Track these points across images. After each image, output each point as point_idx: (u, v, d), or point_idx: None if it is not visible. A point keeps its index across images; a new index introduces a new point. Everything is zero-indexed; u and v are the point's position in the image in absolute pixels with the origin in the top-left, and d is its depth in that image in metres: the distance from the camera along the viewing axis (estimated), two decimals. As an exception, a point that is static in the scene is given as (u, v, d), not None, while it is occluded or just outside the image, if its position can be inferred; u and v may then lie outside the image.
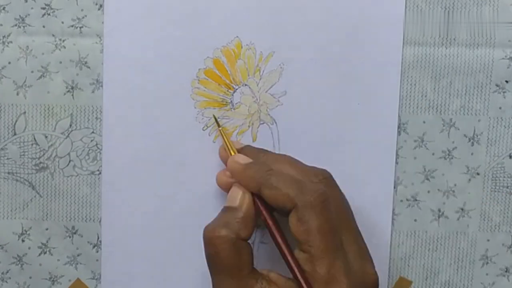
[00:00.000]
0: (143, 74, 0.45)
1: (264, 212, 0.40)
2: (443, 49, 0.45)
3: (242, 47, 0.45)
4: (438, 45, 0.45)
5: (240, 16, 0.45)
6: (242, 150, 0.43)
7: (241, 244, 0.39)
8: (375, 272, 0.40)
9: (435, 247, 0.47)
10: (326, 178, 0.41)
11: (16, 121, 0.45)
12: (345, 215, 0.40)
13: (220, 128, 0.44)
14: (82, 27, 0.45)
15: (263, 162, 0.42)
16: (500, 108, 0.46)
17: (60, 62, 0.45)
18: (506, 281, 0.47)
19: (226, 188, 0.43)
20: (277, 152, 0.45)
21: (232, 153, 0.43)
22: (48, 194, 0.46)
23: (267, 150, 0.44)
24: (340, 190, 0.41)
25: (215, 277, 0.40)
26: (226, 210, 0.41)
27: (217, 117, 0.45)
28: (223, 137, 0.44)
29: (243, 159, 0.42)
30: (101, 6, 0.44)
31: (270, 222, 0.40)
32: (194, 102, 0.45)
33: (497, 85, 0.45)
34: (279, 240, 0.40)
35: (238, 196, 0.41)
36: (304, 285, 0.38)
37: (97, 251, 0.46)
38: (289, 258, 0.39)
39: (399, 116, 0.46)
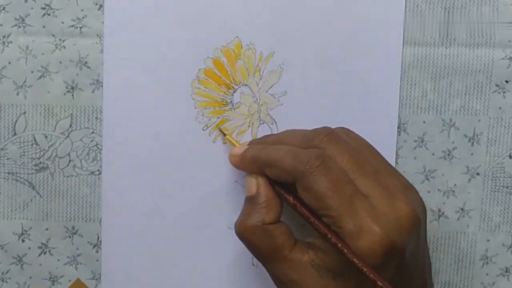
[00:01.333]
0: (143, 74, 0.45)
1: (277, 189, 0.40)
2: (443, 49, 0.45)
3: (242, 47, 0.45)
4: (438, 45, 0.45)
5: (240, 16, 0.45)
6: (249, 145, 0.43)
7: (270, 228, 0.39)
8: (409, 205, 0.37)
9: (435, 247, 0.47)
10: (327, 135, 0.39)
11: (16, 121, 0.45)
12: (356, 161, 0.38)
13: (227, 136, 0.45)
14: (82, 27, 0.45)
15: (260, 143, 0.42)
16: (500, 108, 0.46)
17: (60, 62, 0.45)
18: (506, 281, 0.47)
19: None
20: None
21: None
22: (48, 194, 0.46)
23: (272, 134, 0.44)
24: (348, 137, 0.40)
25: (265, 266, 0.40)
26: (247, 200, 0.41)
27: (219, 126, 0.45)
28: (230, 142, 0.44)
29: (239, 148, 0.42)
30: (101, 6, 0.44)
31: (289, 198, 0.40)
32: (194, 102, 0.45)
33: (497, 85, 0.45)
34: (302, 210, 0.39)
35: (253, 184, 0.41)
36: (337, 242, 0.36)
37: (97, 251, 0.46)
38: (317, 223, 0.38)
39: (399, 116, 0.46)
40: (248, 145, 0.43)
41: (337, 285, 0.38)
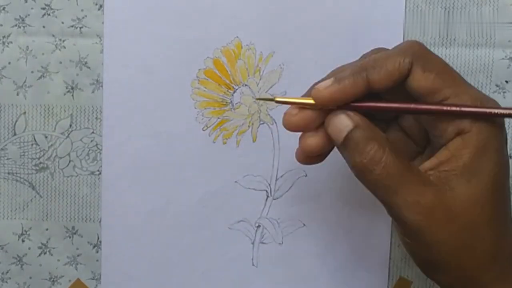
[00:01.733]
0: (143, 74, 0.45)
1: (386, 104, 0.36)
2: (443, 49, 0.45)
3: (242, 47, 0.45)
4: (438, 45, 0.45)
5: (240, 16, 0.45)
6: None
7: (394, 146, 0.35)
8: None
9: (435, 247, 0.47)
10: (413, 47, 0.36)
11: (16, 121, 0.45)
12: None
13: (275, 98, 0.37)
14: (82, 27, 0.45)
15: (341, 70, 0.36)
16: (500, 108, 0.46)
17: (60, 62, 0.45)
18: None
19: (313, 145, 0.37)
20: (276, 152, 0.45)
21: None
22: (48, 194, 0.46)
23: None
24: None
25: (393, 196, 0.34)
26: (347, 139, 0.35)
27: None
28: (285, 102, 0.37)
29: (326, 82, 0.35)
30: (101, 6, 0.44)
31: (408, 105, 0.35)
32: (194, 103, 0.45)
33: (497, 85, 0.45)
34: (426, 107, 0.35)
35: (343, 119, 0.35)
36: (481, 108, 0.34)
37: (97, 251, 0.46)
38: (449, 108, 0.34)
39: (399, 116, 0.46)
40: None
41: (476, 184, 0.34)
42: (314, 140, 0.37)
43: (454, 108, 0.34)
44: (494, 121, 0.34)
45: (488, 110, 0.34)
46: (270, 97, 0.42)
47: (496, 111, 0.34)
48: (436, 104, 0.35)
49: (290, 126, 0.37)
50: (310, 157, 0.38)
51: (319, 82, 0.36)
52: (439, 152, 0.35)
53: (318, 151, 0.37)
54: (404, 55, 0.34)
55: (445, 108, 0.34)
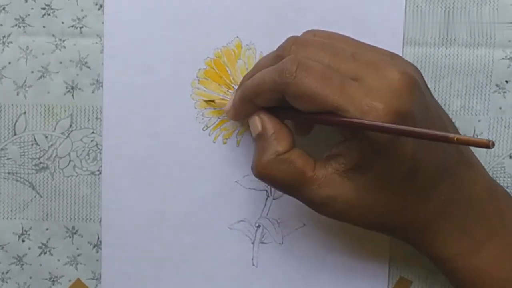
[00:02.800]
0: (143, 74, 0.45)
1: (290, 113, 0.39)
2: (443, 49, 0.45)
3: (242, 47, 0.45)
4: (438, 45, 0.45)
5: (240, 16, 0.45)
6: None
7: (286, 156, 0.38)
8: (398, 69, 0.36)
9: (435, 247, 0.47)
10: (294, 43, 0.39)
11: (16, 121, 0.45)
12: (332, 53, 0.38)
13: (215, 101, 0.45)
14: (82, 27, 0.45)
15: (240, 85, 0.42)
16: (500, 108, 0.46)
17: (60, 62, 0.45)
18: (506, 281, 0.47)
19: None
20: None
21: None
22: (48, 194, 0.46)
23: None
24: (316, 35, 0.40)
25: (294, 195, 0.39)
26: (256, 141, 0.40)
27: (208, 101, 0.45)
28: (220, 103, 0.44)
29: (228, 102, 0.42)
30: (101, 6, 0.44)
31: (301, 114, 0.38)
32: (194, 103, 0.45)
33: (497, 85, 0.45)
34: (307, 116, 0.38)
35: (256, 121, 0.40)
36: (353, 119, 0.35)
37: (97, 251, 0.46)
38: (327, 118, 0.37)
39: (399, 116, 0.45)
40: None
41: (369, 179, 0.37)
42: None
43: (330, 118, 0.37)
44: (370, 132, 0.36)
45: (356, 122, 0.35)
46: (212, 99, 0.45)
47: (366, 123, 0.35)
48: (316, 114, 0.37)
49: (231, 118, 0.43)
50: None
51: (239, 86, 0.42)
52: (338, 143, 0.38)
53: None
54: (274, 86, 0.37)
55: (323, 118, 0.37)
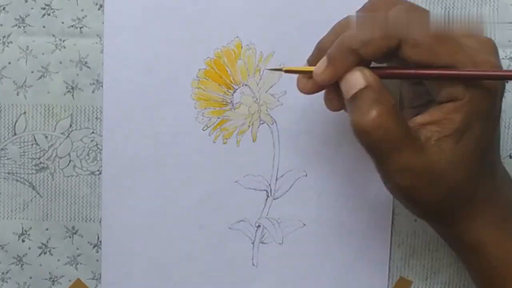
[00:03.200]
0: (143, 74, 0.45)
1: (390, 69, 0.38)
2: (443, 49, 0.45)
3: (242, 47, 0.45)
4: (438, 45, 0.45)
5: (240, 16, 0.45)
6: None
7: (396, 110, 0.36)
8: (484, 35, 0.38)
9: (435, 247, 0.47)
10: (384, 2, 0.38)
11: (16, 121, 0.45)
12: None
13: (283, 68, 0.40)
14: (82, 27, 0.45)
15: (320, 48, 0.40)
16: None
17: (60, 62, 0.45)
18: (506, 281, 0.47)
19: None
20: (276, 152, 0.45)
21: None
22: (48, 194, 0.46)
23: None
24: None
25: (387, 158, 0.37)
26: (355, 99, 0.37)
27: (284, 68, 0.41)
28: (294, 71, 0.40)
29: (321, 62, 0.38)
30: (101, 6, 0.44)
31: (408, 71, 0.37)
32: (194, 102, 0.45)
33: (497, 85, 0.45)
34: (428, 72, 0.37)
35: (358, 77, 0.37)
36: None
37: (97, 251, 0.46)
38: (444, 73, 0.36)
39: (399, 116, 0.45)
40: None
41: (464, 145, 0.37)
42: (329, 94, 0.40)
43: (448, 72, 0.36)
44: (487, 87, 0.36)
45: (478, 73, 0.36)
46: (279, 68, 0.41)
47: (487, 73, 0.36)
48: (430, 69, 0.36)
49: (305, 92, 0.40)
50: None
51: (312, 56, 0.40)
52: (433, 110, 0.37)
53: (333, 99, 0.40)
54: (391, 32, 0.36)
55: (437, 72, 0.36)
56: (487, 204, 0.39)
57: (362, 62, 0.37)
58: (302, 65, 0.45)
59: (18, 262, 0.47)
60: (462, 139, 0.36)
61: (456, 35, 0.37)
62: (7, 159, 0.46)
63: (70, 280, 0.47)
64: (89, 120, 0.45)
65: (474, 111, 0.36)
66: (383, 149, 0.36)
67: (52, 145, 0.46)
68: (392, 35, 0.36)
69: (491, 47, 0.37)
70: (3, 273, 0.47)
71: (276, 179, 0.46)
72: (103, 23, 0.45)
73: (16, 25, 0.44)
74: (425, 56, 0.36)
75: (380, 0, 0.39)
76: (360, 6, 0.45)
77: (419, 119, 0.37)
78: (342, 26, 0.40)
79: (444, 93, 0.37)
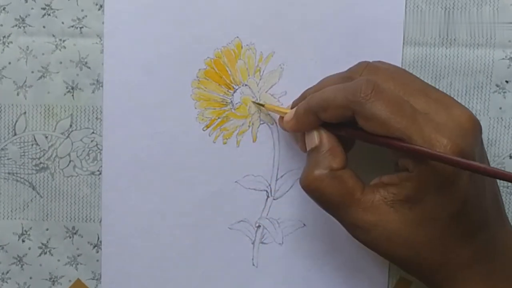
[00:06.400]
0: (143, 74, 0.45)
1: (344, 130, 0.40)
2: (443, 49, 0.45)
3: (242, 47, 0.45)
4: (438, 45, 0.45)
5: (240, 16, 0.45)
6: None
7: (339, 173, 0.39)
8: (465, 110, 0.38)
9: (435, 247, 0.47)
10: (365, 68, 0.40)
11: (16, 121, 0.45)
12: (402, 83, 0.39)
13: (266, 106, 0.44)
14: (82, 27, 0.45)
15: (302, 98, 0.42)
16: (500, 108, 0.46)
17: (60, 63, 0.45)
18: (506, 281, 0.47)
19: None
20: (276, 152, 0.45)
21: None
22: (48, 194, 0.46)
23: (310, 87, 0.43)
24: (384, 65, 0.40)
25: (337, 214, 0.39)
26: (310, 154, 0.40)
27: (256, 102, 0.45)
28: (273, 110, 0.44)
29: (289, 113, 0.42)
30: (101, 6, 0.44)
31: (357, 132, 0.39)
32: (194, 103, 0.45)
33: (497, 85, 0.45)
34: (376, 138, 0.38)
35: (314, 135, 0.40)
36: (422, 149, 0.35)
37: (97, 251, 0.46)
38: (393, 143, 0.37)
39: (399, 116, 0.45)
40: (291, 108, 0.43)
41: (415, 214, 0.37)
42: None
43: (396, 143, 0.37)
44: (435, 164, 0.36)
45: (422, 150, 0.36)
46: (262, 103, 0.45)
47: (431, 152, 0.35)
48: (382, 137, 0.37)
49: (284, 129, 0.44)
50: None
51: (297, 100, 0.43)
52: (394, 173, 0.38)
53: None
54: (346, 103, 0.37)
55: (386, 141, 0.37)
56: (471, 269, 0.38)
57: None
58: (301, 68, 0.45)
59: (18, 262, 0.47)
60: (417, 206, 0.37)
61: (422, 108, 0.37)
62: (7, 159, 0.46)
63: (70, 280, 0.47)
64: (89, 120, 0.46)
65: (424, 183, 0.37)
66: (327, 207, 0.39)
67: (52, 145, 0.46)
68: (346, 106, 0.37)
69: (465, 129, 0.37)
70: (3, 273, 0.47)
71: (276, 179, 0.46)
72: (103, 23, 0.45)
73: (16, 25, 0.45)
74: (377, 128, 0.37)
75: (362, 65, 0.40)
76: (359, 6, 0.45)
77: (385, 178, 0.38)
78: (328, 81, 0.41)
79: (400, 161, 0.38)
